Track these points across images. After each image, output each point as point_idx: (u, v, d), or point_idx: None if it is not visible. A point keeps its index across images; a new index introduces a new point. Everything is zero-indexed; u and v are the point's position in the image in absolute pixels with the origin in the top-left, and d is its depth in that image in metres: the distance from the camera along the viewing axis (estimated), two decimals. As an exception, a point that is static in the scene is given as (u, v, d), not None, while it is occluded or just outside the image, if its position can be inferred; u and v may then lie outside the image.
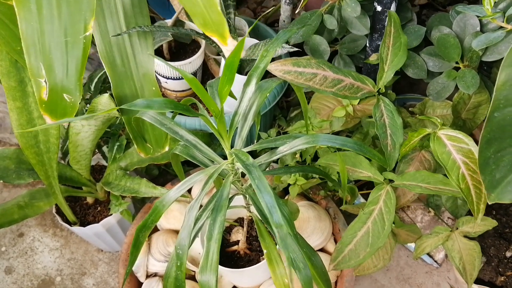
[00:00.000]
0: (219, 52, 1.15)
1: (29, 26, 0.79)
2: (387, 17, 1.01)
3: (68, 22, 0.80)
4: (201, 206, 0.80)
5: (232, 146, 0.80)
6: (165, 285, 0.80)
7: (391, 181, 0.96)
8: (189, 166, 1.31)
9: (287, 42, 1.10)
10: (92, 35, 0.82)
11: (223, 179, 0.82)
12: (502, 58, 0.96)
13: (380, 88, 1.01)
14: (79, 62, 0.81)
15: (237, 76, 1.10)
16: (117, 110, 0.97)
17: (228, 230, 1.08)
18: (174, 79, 1.22)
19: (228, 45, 0.70)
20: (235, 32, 1.13)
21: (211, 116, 1.10)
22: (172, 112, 1.07)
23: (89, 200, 1.28)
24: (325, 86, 0.97)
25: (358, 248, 0.93)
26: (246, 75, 1.12)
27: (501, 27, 0.89)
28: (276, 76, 0.96)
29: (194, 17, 0.72)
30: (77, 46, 0.80)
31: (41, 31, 0.80)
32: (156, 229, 1.21)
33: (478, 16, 0.94)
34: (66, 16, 0.80)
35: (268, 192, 0.66)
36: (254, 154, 1.30)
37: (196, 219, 0.81)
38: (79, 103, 0.83)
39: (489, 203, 0.76)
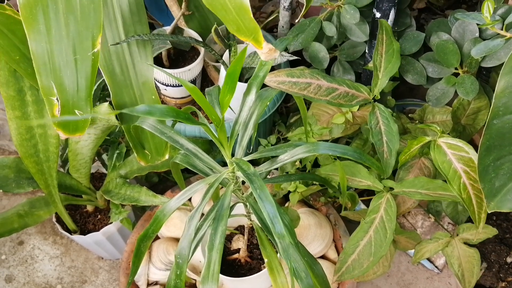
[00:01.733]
0: (218, 59, 1.15)
1: (39, 46, 0.82)
2: (378, 25, 1.01)
3: (76, 40, 0.82)
4: (202, 214, 0.80)
5: (232, 155, 0.80)
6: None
7: (391, 188, 0.96)
8: (189, 173, 1.31)
9: (286, 50, 1.10)
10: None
11: (222, 187, 0.82)
12: (501, 64, 0.97)
13: (375, 95, 1.01)
14: (88, 79, 0.84)
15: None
16: (117, 118, 0.97)
17: (228, 238, 1.08)
18: (173, 86, 1.22)
19: (263, 49, 0.72)
20: (234, 39, 1.13)
21: (211, 123, 1.10)
22: (172, 120, 1.07)
23: (89, 208, 1.28)
24: (320, 95, 0.97)
25: (361, 258, 0.93)
26: (245, 82, 1.12)
27: (498, 34, 0.89)
28: (275, 84, 0.96)
29: (228, 24, 0.74)
30: (86, 63, 0.83)
31: (51, 50, 0.82)
32: (156, 237, 1.21)
33: (477, 24, 0.94)
34: (74, 35, 0.82)
35: (270, 202, 0.66)
36: (254, 161, 1.30)
37: (197, 228, 0.80)
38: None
39: (488, 212, 0.75)
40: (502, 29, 0.87)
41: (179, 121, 1.06)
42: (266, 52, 0.72)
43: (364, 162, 0.82)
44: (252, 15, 0.75)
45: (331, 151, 0.78)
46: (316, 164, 1.13)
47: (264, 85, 0.88)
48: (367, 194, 1.32)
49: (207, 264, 0.75)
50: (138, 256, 0.80)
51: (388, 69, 0.99)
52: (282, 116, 1.42)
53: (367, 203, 1.28)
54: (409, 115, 1.21)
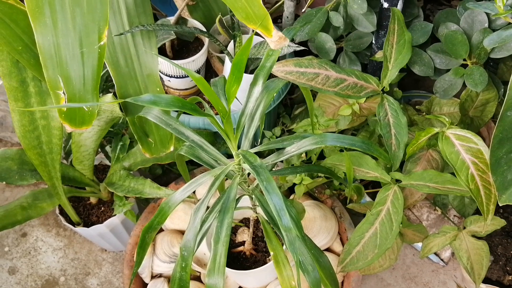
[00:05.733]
0: (222, 50, 1.14)
1: (46, 40, 0.81)
2: (390, 15, 1.00)
3: (83, 33, 0.82)
4: (207, 207, 0.79)
5: (238, 147, 0.79)
6: (172, 287, 0.79)
7: (398, 181, 0.95)
8: (193, 165, 1.30)
9: (292, 40, 1.09)
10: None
11: (227, 179, 0.81)
12: (510, 55, 0.95)
13: (384, 87, 1.00)
14: (95, 72, 0.83)
15: (242, 74, 1.09)
16: (121, 110, 0.96)
17: (233, 231, 1.07)
18: (177, 77, 1.21)
19: (273, 37, 0.70)
20: (239, 29, 1.12)
21: (216, 114, 1.09)
22: (176, 111, 1.06)
23: (93, 200, 1.27)
24: (328, 86, 0.96)
25: (366, 250, 0.92)
26: (250, 73, 1.10)
27: (510, 23, 0.88)
28: (281, 75, 0.95)
29: (236, 12, 0.72)
30: (92, 56, 0.82)
31: (57, 44, 0.81)
32: (160, 229, 1.20)
33: (488, 14, 0.93)
34: (80, 28, 0.81)
35: (277, 194, 0.65)
36: (259, 154, 1.29)
37: (203, 221, 0.80)
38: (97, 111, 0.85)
39: (500, 205, 0.74)
40: (513, 19, 0.85)
41: (185, 112, 1.05)
42: (276, 40, 0.70)
43: (372, 153, 0.81)
44: (261, 2, 0.73)
45: (339, 142, 0.77)
46: (321, 157, 1.12)
47: (270, 76, 0.87)
48: (372, 187, 1.31)
49: (213, 257, 0.74)
50: (143, 247, 0.80)
51: (399, 60, 0.97)
52: (287, 108, 1.41)
53: (372, 196, 1.27)
54: (416, 107, 1.20)
